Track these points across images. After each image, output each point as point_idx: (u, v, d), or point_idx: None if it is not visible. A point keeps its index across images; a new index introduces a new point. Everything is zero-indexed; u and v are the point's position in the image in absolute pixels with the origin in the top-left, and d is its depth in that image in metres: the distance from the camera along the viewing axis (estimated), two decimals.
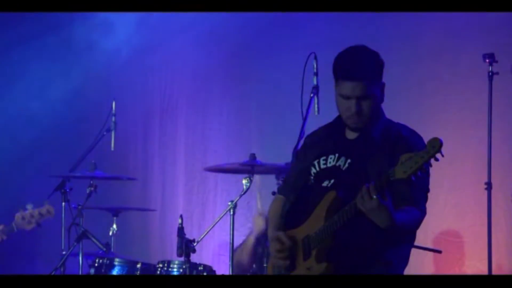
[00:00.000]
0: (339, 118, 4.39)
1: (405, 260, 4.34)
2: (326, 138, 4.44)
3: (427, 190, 4.20)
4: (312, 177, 4.42)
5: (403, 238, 4.30)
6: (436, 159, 3.89)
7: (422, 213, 4.20)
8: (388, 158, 4.20)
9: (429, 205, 4.25)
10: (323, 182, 4.35)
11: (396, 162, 4.01)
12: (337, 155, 4.36)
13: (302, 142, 4.62)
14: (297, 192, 4.49)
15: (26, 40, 8.02)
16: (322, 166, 4.39)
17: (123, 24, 7.94)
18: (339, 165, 4.33)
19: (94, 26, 7.94)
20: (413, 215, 4.16)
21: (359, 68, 4.22)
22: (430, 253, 6.62)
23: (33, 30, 7.99)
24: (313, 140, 4.52)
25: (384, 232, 4.13)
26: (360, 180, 4.19)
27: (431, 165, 3.91)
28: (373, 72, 4.24)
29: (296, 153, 4.62)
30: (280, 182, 6.27)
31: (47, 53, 7.99)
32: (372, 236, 4.18)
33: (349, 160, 4.31)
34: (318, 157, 4.40)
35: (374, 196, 3.97)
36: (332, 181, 4.32)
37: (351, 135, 4.38)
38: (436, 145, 3.87)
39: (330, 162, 4.37)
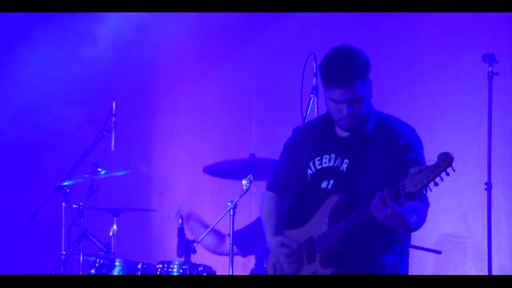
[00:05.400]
0: (328, 115, 4.39)
1: (407, 256, 4.37)
2: (317, 136, 4.43)
3: (440, 180, 4.11)
4: (308, 178, 4.41)
5: (404, 236, 4.33)
6: (447, 174, 3.90)
7: (427, 206, 4.24)
8: (385, 156, 4.22)
9: (430, 205, 4.26)
10: (321, 183, 4.35)
11: (397, 165, 4.08)
12: (333, 155, 4.36)
13: (291, 136, 4.59)
14: (292, 191, 4.48)
15: (26, 38, 8.02)
16: (318, 167, 4.39)
17: (124, 24, 7.94)
18: (337, 166, 4.33)
19: (94, 26, 7.94)
20: (422, 212, 4.19)
21: (346, 73, 4.20)
22: (431, 254, 6.62)
23: (33, 29, 7.99)
24: (303, 137, 4.50)
25: (388, 233, 4.17)
26: (360, 182, 4.22)
27: (442, 180, 3.92)
28: (360, 73, 4.22)
29: (284, 148, 4.58)
30: None
31: (47, 51, 7.99)
32: (376, 239, 4.21)
33: (346, 161, 4.32)
34: (313, 157, 4.40)
35: (389, 204, 3.97)
36: (332, 181, 4.33)
37: (342, 133, 4.37)
38: (447, 160, 3.88)
39: (325, 163, 4.37)
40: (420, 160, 4.23)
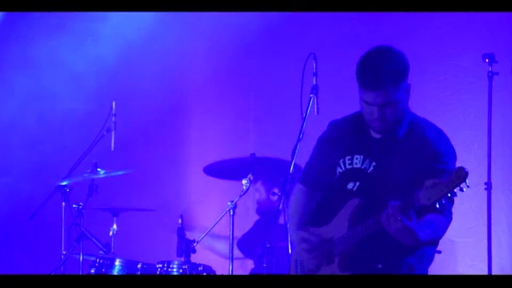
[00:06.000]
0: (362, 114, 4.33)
1: (428, 261, 4.34)
2: (351, 134, 4.37)
3: (454, 195, 4.02)
4: (337, 176, 4.38)
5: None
6: (461, 190, 3.86)
7: (448, 219, 4.17)
8: (412, 163, 4.15)
9: None
10: (348, 184, 4.31)
11: (424, 174, 4.00)
12: (362, 156, 4.31)
13: (325, 130, 4.56)
14: (321, 188, 4.44)
15: (29, 39, 8.02)
16: (348, 166, 4.34)
17: (124, 24, 7.94)
18: (365, 168, 4.29)
19: (94, 26, 7.94)
20: (438, 225, 4.13)
21: (382, 76, 4.11)
22: None
23: (36, 29, 7.99)
24: (337, 133, 4.44)
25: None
26: (384, 186, 4.18)
27: (455, 195, 3.87)
28: (395, 77, 4.13)
29: (318, 141, 4.52)
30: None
31: (50, 53, 7.99)
32: (394, 242, 4.15)
33: (374, 163, 4.27)
34: (344, 156, 4.35)
35: (399, 218, 3.94)
36: (357, 184, 4.29)
37: (375, 134, 4.32)
38: (462, 175, 3.84)
39: (356, 163, 4.32)
40: (450, 170, 4.10)
